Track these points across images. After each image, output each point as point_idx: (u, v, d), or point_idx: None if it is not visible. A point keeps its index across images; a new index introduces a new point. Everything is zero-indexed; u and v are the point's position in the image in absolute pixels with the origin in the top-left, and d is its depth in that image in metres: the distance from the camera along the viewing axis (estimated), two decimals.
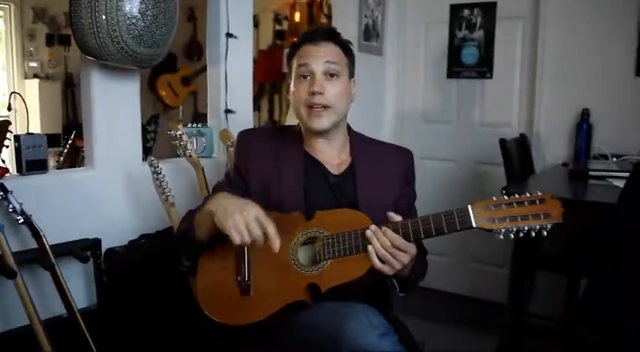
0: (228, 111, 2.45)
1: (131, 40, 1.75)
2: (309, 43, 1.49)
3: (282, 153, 1.54)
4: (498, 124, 3.34)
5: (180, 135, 2.00)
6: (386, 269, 1.29)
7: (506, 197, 1.25)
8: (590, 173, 2.26)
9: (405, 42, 3.66)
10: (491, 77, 3.36)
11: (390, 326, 1.26)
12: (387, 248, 1.27)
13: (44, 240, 1.67)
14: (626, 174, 2.18)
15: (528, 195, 1.23)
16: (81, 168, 2.16)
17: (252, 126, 2.54)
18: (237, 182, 1.56)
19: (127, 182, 2.09)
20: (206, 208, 1.37)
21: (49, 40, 5.47)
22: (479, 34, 3.38)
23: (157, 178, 1.91)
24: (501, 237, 1.23)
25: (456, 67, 3.49)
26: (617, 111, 2.88)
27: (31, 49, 5.51)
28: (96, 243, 1.93)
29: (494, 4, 3.31)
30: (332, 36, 1.51)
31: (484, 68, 3.38)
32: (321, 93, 1.44)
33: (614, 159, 2.72)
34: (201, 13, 5.56)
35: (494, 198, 1.26)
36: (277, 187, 1.50)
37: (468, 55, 3.43)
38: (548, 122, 3.09)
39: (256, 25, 5.13)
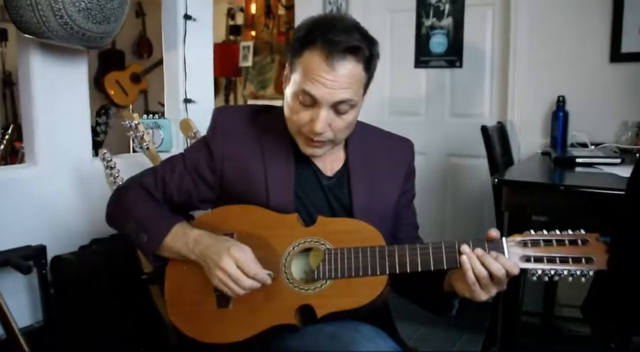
0: (187, 100, 2.25)
1: (77, 14, 1.52)
2: (322, 55, 1.13)
3: (267, 142, 1.29)
4: (470, 115, 3.24)
5: (136, 125, 1.78)
6: (483, 296, 1.10)
7: (545, 231, 1.11)
8: (578, 160, 2.15)
9: (371, 30, 3.49)
10: (460, 66, 3.25)
11: None
12: (491, 267, 1.07)
13: None
14: (617, 161, 2.12)
15: (570, 232, 1.10)
16: (20, 165, 1.91)
17: None
18: (202, 171, 1.29)
19: (76, 180, 1.86)
20: (169, 246, 1.22)
21: None
22: (447, 21, 3.27)
23: (111, 174, 1.69)
24: (535, 278, 1.09)
25: (423, 56, 3.36)
26: (593, 98, 2.81)
27: None
28: (40, 250, 1.70)
29: None
30: (355, 51, 1.14)
31: (453, 57, 3.27)
32: (323, 132, 1.18)
33: (593, 147, 2.64)
34: (150, 8, 5.33)
35: (532, 232, 1.11)
36: (261, 185, 1.26)
37: (437, 44, 3.31)
38: (523, 111, 3.00)
39: None
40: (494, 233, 1.11)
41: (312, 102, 1.16)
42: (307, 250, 1.20)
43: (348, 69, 1.14)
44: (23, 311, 1.72)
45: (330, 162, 1.32)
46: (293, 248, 1.19)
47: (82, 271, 1.75)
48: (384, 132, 1.43)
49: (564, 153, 2.47)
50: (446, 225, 3.36)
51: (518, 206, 1.87)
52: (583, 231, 1.10)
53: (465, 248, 1.09)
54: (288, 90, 1.21)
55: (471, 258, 1.08)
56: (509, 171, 2.29)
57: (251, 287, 1.12)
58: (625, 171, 1.94)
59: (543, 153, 2.67)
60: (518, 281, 1.95)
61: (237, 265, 1.12)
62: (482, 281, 1.07)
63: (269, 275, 1.14)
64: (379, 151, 1.36)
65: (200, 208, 1.37)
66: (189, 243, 1.20)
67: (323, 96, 1.14)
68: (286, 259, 1.18)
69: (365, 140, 1.34)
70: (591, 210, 1.78)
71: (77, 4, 1.50)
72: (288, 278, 1.17)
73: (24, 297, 1.73)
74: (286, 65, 1.24)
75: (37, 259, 1.68)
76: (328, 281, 1.14)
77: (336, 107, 1.17)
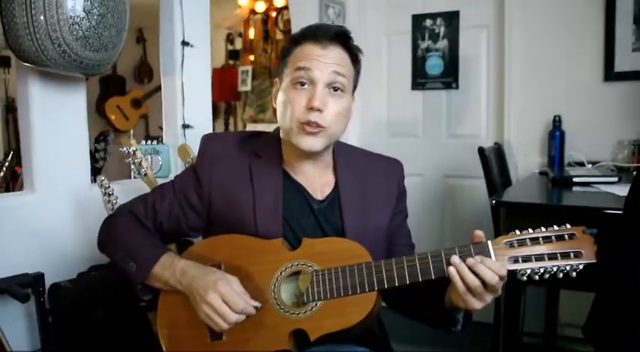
0: (185, 126, 2.26)
1: (75, 42, 1.53)
2: (312, 41, 1.21)
3: (256, 168, 1.28)
4: (466, 135, 3.25)
5: (134, 151, 1.79)
6: (477, 305, 1.08)
7: (530, 230, 1.10)
8: (575, 180, 2.16)
9: (367, 54, 3.53)
10: (457, 87, 3.27)
11: None
12: (482, 274, 1.05)
13: None
14: (614, 179, 2.12)
15: (556, 227, 1.09)
16: (18, 192, 1.91)
17: None
18: (190, 198, 1.29)
19: (74, 206, 1.85)
20: (157, 275, 1.21)
21: None
22: (443, 43, 3.30)
23: (109, 201, 1.69)
24: (525, 278, 1.08)
25: (420, 78, 3.39)
26: (589, 117, 2.83)
27: None
28: (38, 278, 1.68)
29: (457, 12, 3.23)
30: (342, 38, 1.23)
31: (449, 78, 3.29)
32: (320, 110, 1.18)
33: (590, 166, 2.64)
34: (151, 33, 5.39)
35: (517, 232, 1.10)
36: (249, 210, 1.25)
37: (433, 66, 3.34)
38: (519, 131, 3.01)
39: None
40: (479, 233, 1.10)
41: (307, 83, 1.19)
42: (296, 273, 1.19)
43: (338, 52, 1.21)
44: (21, 339, 1.69)
45: (320, 187, 1.31)
46: (280, 273, 1.17)
47: (80, 298, 1.72)
48: (373, 153, 1.42)
49: (561, 172, 2.48)
50: (445, 246, 3.34)
51: (516, 227, 1.86)
52: (569, 225, 1.09)
53: (454, 259, 1.08)
54: (282, 90, 1.24)
55: (459, 268, 1.06)
56: (507, 192, 2.29)
57: (237, 321, 1.12)
58: (622, 190, 1.95)
59: (541, 173, 2.67)
60: (518, 300, 1.93)
61: (222, 300, 1.11)
62: (476, 291, 1.06)
63: (255, 307, 1.13)
64: (369, 173, 1.35)
65: (190, 236, 1.37)
66: (176, 273, 1.19)
67: (319, 68, 1.18)
68: (275, 285, 1.17)
69: (353, 162, 1.34)
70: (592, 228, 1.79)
71: (75, 33, 1.52)
72: (278, 304, 1.15)
73: (21, 325, 1.71)
74: (275, 81, 1.29)
75: (34, 287, 1.66)
76: (318, 303, 1.13)
77: (332, 84, 1.20)
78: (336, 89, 1.20)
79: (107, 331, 1.74)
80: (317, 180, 1.31)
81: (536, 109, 2.94)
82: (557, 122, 2.81)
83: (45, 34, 1.49)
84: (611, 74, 2.76)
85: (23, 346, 1.69)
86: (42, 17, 1.48)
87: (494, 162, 2.51)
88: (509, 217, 1.87)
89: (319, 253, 1.17)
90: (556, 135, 2.80)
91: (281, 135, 1.29)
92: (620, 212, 1.54)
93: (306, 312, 1.13)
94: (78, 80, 1.82)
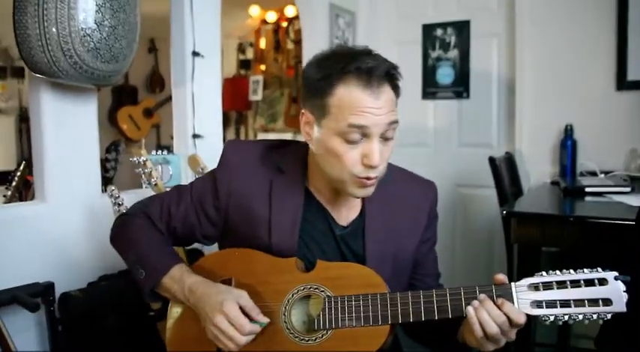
0: (196, 136, 2.26)
1: (86, 53, 1.54)
2: (362, 85, 1.07)
3: (277, 184, 1.23)
4: (478, 145, 3.24)
5: (144, 161, 1.80)
6: (490, 347, 1.05)
7: (558, 272, 1.04)
8: (587, 190, 2.13)
9: None
10: (468, 97, 3.27)
11: None
12: (500, 324, 1.01)
13: None
14: (627, 189, 2.10)
15: (587, 271, 1.02)
16: (29, 201, 1.92)
17: None
18: (206, 207, 1.26)
19: (85, 216, 1.86)
20: (166, 287, 1.20)
21: (1, 73, 5.19)
22: (453, 53, 3.30)
23: (119, 211, 1.69)
24: (547, 323, 1.03)
25: (431, 88, 3.39)
26: (601, 126, 2.81)
27: None
28: (48, 287, 1.68)
29: (468, 22, 3.24)
30: (391, 77, 1.12)
31: (460, 88, 3.29)
32: (380, 165, 1.11)
33: (603, 175, 2.62)
34: (163, 43, 5.43)
35: (544, 274, 1.04)
36: (264, 227, 1.21)
37: (443, 75, 3.34)
38: (531, 140, 3.00)
39: None
40: (501, 277, 1.06)
41: (360, 137, 1.09)
42: (307, 296, 1.16)
43: (388, 94, 1.10)
44: (31, 349, 1.68)
45: (346, 211, 1.25)
46: (292, 295, 1.15)
47: (90, 308, 1.72)
48: (406, 173, 1.34)
49: (574, 182, 2.46)
50: (456, 257, 3.32)
51: (527, 237, 1.85)
52: (600, 270, 1.02)
53: (475, 303, 1.03)
54: (324, 135, 1.12)
55: (479, 314, 1.02)
56: (518, 202, 2.27)
57: (246, 342, 1.09)
58: (635, 200, 1.93)
59: (553, 183, 2.65)
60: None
61: (229, 322, 1.08)
62: (493, 337, 1.02)
63: (261, 325, 1.11)
64: (399, 196, 1.27)
65: (202, 243, 1.35)
66: (184, 289, 1.17)
67: (376, 124, 1.07)
68: (286, 307, 1.14)
69: (383, 188, 1.21)
70: (601, 240, 1.76)
71: (86, 45, 1.53)
72: (288, 328, 1.13)
73: (32, 334, 1.70)
74: (306, 111, 1.16)
75: (45, 296, 1.66)
76: (329, 332, 1.10)
77: (384, 134, 1.10)
78: (387, 138, 1.13)
79: (116, 340, 1.74)
80: (343, 205, 1.25)
81: (548, 118, 2.93)
82: (569, 131, 2.80)
83: (57, 46, 1.50)
84: (623, 83, 2.75)
85: None
86: (54, 29, 1.49)
87: (505, 172, 2.49)
88: (520, 227, 1.86)
89: (333, 278, 1.14)
90: (568, 144, 2.78)
91: (311, 154, 1.22)
92: (633, 222, 1.53)
93: (316, 339, 1.11)
94: (89, 91, 1.83)
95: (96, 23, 1.54)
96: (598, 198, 2.10)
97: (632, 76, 2.72)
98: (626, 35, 2.72)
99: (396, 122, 1.12)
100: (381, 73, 1.08)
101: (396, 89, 1.13)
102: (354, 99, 1.07)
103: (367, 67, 1.08)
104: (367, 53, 1.13)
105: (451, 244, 3.33)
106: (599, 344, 1.53)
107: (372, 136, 1.09)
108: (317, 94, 1.12)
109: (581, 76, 2.85)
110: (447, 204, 3.35)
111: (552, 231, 1.83)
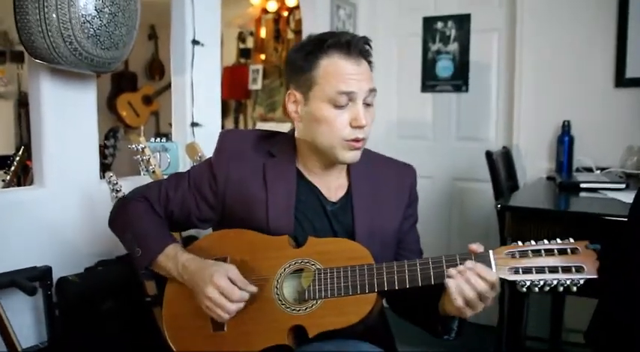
0: (194, 124, 2.27)
1: (86, 40, 1.55)
2: (344, 56, 1.21)
3: (270, 167, 1.31)
4: (476, 139, 3.24)
5: (142, 148, 1.81)
6: (468, 313, 1.10)
7: (533, 242, 1.10)
8: (582, 185, 2.15)
9: (377, 55, 3.53)
10: (467, 90, 3.27)
11: None
12: (479, 288, 1.07)
13: None
14: (621, 186, 2.12)
15: (559, 241, 1.09)
16: (28, 186, 1.93)
17: None
18: (204, 192, 1.33)
19: (82, 202, 1.87)
20: (161, 265, 1.27)
21: (0, 57, 5.17)
22: (453, 46, 3.30)
23: (117, 197, 1.70)
24: (524, 289, 1.08)
25: (430, 81, 3.39)
26: (598, 123, 2.81)
27: None
28: (45, 271, 1.69)
29: (468, 16, 3.23)
30: (368, 53, 1.26)
31: (459, 81, 3.29)
32: (367, 125, 1.23)
33: (599, 172, 2.63)
34: (163, 30, 5.41)
35: (520, 243, 1.10)
36: (262, 209, 1.28)
37: (443, 68, 3.34)
38: (528, 135, 3.00)
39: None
40: (474, 246, 1.11)
41: (347, 102, 1.20)
42: (299, 271, 1.21)
43: (366, 65, 1.24)
44: (28, 332, 1.70)
45: (335, 189, 1.34)
46: (284, 269, 1.20)
47: (87, 292, 1.74)
48: (386, 158, 1.44)
49: (569, 178, 2.47)
50: (452, 249, 3.34)
51: (521, 232, 1.87)
52: (572, 240, 1.09)
53: (451, 271, 1.09)
54: (312, 106, 1.23)
55: (457, 281, 1.07)
56: (514, 197, 2.29)
57: (237, 309, 1.16)
58: (629, 197, 1.94)
59: (548, 178, 2.67)
60: (522, 304, 1.93)
61: (220, 292, 1.15)
62: (471, 303, 1.07)
63: (250, 292, 1.18)
64: (382, 177, 1.36)
65: (199, 227, 1.40)
66: (178, 266, 1.23)
67: (360, 88, 1.20)
68: (278, 281, 1.20)
69: (367, 167, 1.35)
70: (594, 236, 1.77)
71: (86, 31, 1.54)
72: (280, 300, 1.18)
73: (29, 318, 1.72)
74: (293, 90, 1.27)
75: (42, 280, 1.68)
76: (319, 301, 1.15)
77: (365, 100, 1.22)
78: (369, 104, 1.24)
79: (113, 325, 1.76)
80: (332, 183, 1.34)
81: (546, 114, 2.93)
82: (566, 127, 2.80)
83: (57, 32, 1.51)
84: (622, 80, 2.75)
85: (30, 339, 1.70)
86: (54, 15, 1.49)
87: (501, 166, 2.51)
88: (514, 221, 1.87)
89: (323, 252, 1.19)
90: (565, 140, 2.79)
91: (298, 137, 1.32)
92: (625, 219, 1.54)
93: (306, 309, 1.15)
94: (89, 77, 1.83)
95: (96, 10, 1.54)
96: (593, 194, 2.11)
97: (630, 73, 2.72)
98: (626, 32, 2.71)
99: (375, 90, 1.24)
100: (357, 43, 1.21)
101: (370, 63, 1.26)
102: (338, 67, 1.20)
103: (346, 39, 1.21)
104: (342, 32, 1.27)
105: (447, 237, 3.35)
106: (588, 339, 1.55)
107: (357, 100, 1.21)
108: (302, 71, 1.23)
109: (580, 72, 2.85)
110: (443, 198, 3.36)
111: (546, 225, 1.85)
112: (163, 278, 1.32)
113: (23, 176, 2.35)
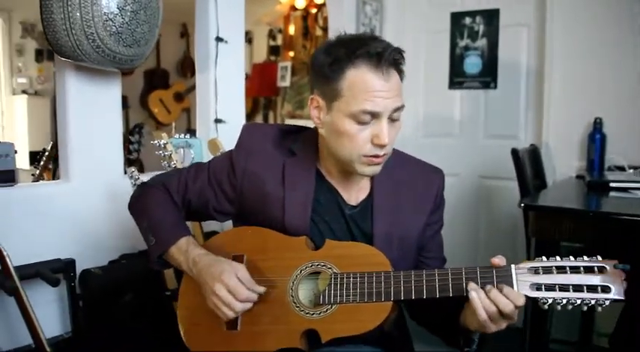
0: (218, 120, 2.29)
1: (109, 37, 1.58)
2: (374, 70, 1.11)
3: (289, 165, 1.28)
4: (504, 136, 3.18)
5: (164, 144, 1.83)
6: (492, 329, 1.07)
7: (558, 258, 1.05)
8: (612, 185, 2.08)
9: (405, 51, 3.51)
10: (495, 87, 3.21)
11: None
12: (500, 306, 1.03)
13: (7, 260, 1.47)
14: None
15: (586, 258, 1.04)
16: (54, 181, 1.98)
17: None
18: (223, 185, 1.31)
19: (107, 196, 1.91)
20: (173, 256, 1.26)
21: (38, 56, 5.32)
22: (482, 42, 3.24)
23: None
24: (546, 307, 1.05)
25: (458, 77, 3.34)
26: (631, 120, 2.72)
27: (20, 64, 5.37)
28: (69, 264, 1.74)
29: (497, 11, 3.17)
30: (399, 64, 1.15)
31: (488, 78, 3.23)
32: (388, 144, 1.16)
33: (632, 171, 2.55)
34: (194, 28, 5.48)
35: (544, 259, 1.06)
36: (278, 207, 1.26)
37: (471, 65, 3.28)
38: (558, 133, 2.93)
39: (250, 40, 5.02)
40: (497, 260, 1.07)
41: (371, 119, 1.13)
42: (315, 273, 1.20)
43: (396, 78, 1.14)
44: (52, 322, 1.75)
45: (356, 192, 1.30)
46: (300, 271, 1.19)
47: (110, 285, 1.78)
48: (416, 160, 1.37)
49: (599, 176, 2.40)
50: (479, 247, 3.30)
51: (544, 231, 1.83)
52: (600, 258, 1.04)
53: (472, 285, 1.06)
54: (335, 118, 1.16)
55: (479, 294, 1.04)
56: (539, 196, 2.24)
57: (243, 309, 1.15)
58: None
59: (578, 177, 2.60)
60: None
61: (227, 290, 1.14)
62: (492, 317, 1.04)
63: (259, 293, 1.17)
64: (407, 181, 1.31)
65: (217, 219, 1.39)
66: (189, 261, 1.23)
67: (386, 107, 1.12)
68: (293, 282, 1.18)
69: (391, 170, 1.27)
70: (621, 237, 1.72)
71: (108, 29, 1.57)
72: (294, 302, 1.17)
73: (53, 309, 1.77)
74: (317, 95, 1.20)
75: (66, 272, 1.73)
76: (334, 306, 1.13)
77: (392, 116, 1.15)
78: (394, 120, 1.17)
79: (133, 317, 1.79)
80: (353, 186, 1.30)
81: (577, 111, 2.85)
82: (598, 124, 2.73)
83: (80, 30, 1.54)
84: None
85: (54, 329, 1.75)
86: (78, 14, 1.53)
87: (528, 165, 2.45)
88: (537, 221, 1.84)
89: (340, 256, 1.17)
90: (596, 138, 2.71)
91: (321, 139, 1.27)
92: None
93: (320, 313, 1.14)
94: (113, 74, 1.87)
95: (118, 8, 1.57)
96: (622, 193, 2.05)
97: None
98: None
99: (402, 107, 1.16)
100: (389, 56, 1.11)
101: (401, 73, 1.17)
102: (365, 81, 1.11)
103: (376, 51, 1.11)
104: (374, 38, 1.16)
105: (475, 235, 3.30)
106: (613, 344, 1.51)
107: (382, 117, 1.13)
108: (328, 79, 1.15)
109: (611, 68, 2.76)
110: (470, 196, 3.31)
111: (571, 225, 1.80)
112: (181, 271, 1.33)
113: (56, 170, 2.42)
